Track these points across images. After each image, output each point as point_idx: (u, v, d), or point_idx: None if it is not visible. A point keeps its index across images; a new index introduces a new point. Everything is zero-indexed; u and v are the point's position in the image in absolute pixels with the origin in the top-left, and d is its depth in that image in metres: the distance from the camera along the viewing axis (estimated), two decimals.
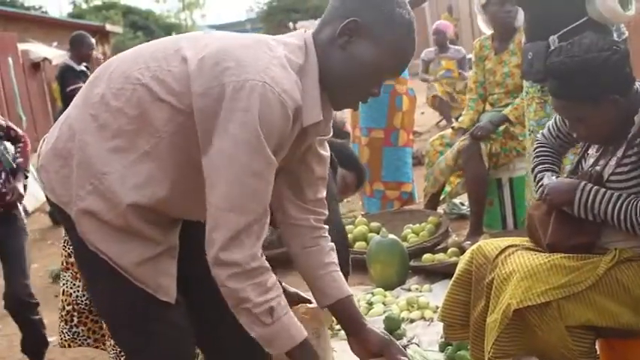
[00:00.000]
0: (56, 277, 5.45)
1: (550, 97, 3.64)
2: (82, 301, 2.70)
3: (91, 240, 1.92)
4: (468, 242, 4.30)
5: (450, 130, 5.11)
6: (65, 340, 2.75)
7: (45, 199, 6.95)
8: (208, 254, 1.85)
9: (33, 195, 8.58)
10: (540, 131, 2.89)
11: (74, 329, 2.72)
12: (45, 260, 6.15)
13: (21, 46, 13.73)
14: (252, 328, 1.90)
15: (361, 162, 3.47)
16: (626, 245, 2.45)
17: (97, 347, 2.80)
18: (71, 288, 2.71)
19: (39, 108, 13.97)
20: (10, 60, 12.25)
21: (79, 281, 2.68)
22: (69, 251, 2.68)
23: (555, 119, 2.79)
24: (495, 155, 4.71)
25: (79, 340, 2.73)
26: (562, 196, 2.49)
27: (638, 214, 2.35)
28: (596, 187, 2.43)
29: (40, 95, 14.45)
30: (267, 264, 1.89)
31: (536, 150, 2.81)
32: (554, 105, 2.60)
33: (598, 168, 2.49)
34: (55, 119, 8.79)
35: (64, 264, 2.73)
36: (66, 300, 2.73)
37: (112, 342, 2.61)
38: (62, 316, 2.76)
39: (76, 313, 2.71)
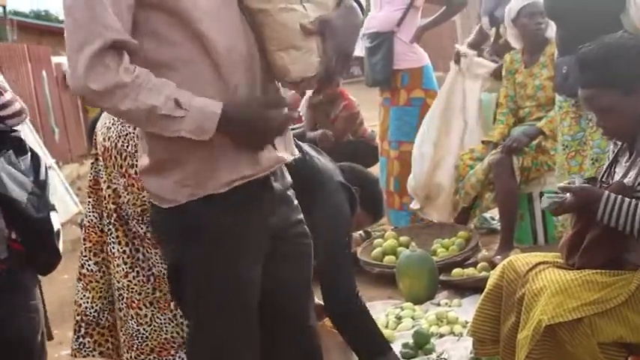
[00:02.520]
0: None
1: (585, 111, 3.64)
2: (90, 313, 2.71)
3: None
4: (499, 257, 4.26)
5: (480, 145, 5.07)
6: (73, 349, 2.77)
7: (75, 210, 6.96)
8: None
9: (64, 206, 8.68)
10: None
11: (80, 340, 2.73)
12: (75, 271, 6.18)
13: (54, 59, 13.91)
14: (176, 130, 1.87)
15: (383, 206, 3.39)
16: None
17: (102, 359, 2.79)
18: (81, 299, 2.73)
19: (71, 120, 14.12)
20: (44, 73, 12.40)
21: (89, 292, 2.70)
22: (82, 262, 2.70)
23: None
24: (527, 169, 4.67)
25: (85, 351, 2.74)
26: (587, 205, 2.44)
27: None
28: (620, 196, 2.39)
29: (72, 107, 14.61)
30: (144, 69, 1.85)
31: None
32: (582, 98, 2.57)
33: (628, 180, 2.46)
34: (87, 129, 8.79)
35: (78, 274, 2.75)
36: (76, 310, 2.76)
37: (133, 354, 2.60)
38: (74, 325, 2.78)
39: (83, 324, 2.72)
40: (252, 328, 2.11)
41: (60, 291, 5.74)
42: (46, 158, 9.07)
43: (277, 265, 2.14)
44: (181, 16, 1.88)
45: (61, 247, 2.53)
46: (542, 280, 2.46)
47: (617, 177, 2.57)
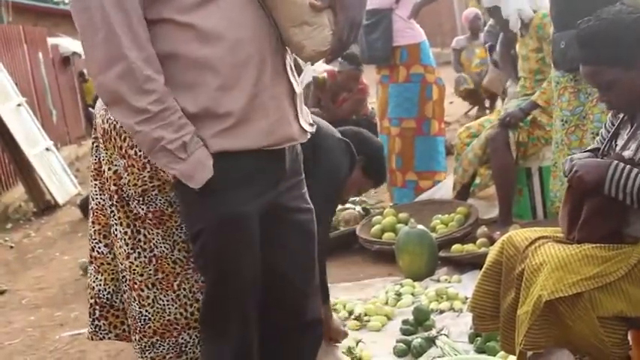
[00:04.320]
0: (87, 270, 5.51)
1: (583, 85, 3.62)
2: (104, 295, 2.68)
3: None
4: (498, 232, 4.27)
5: (476, 122, 5.06)
6: (89, 332, 2.74)
7: (75, 191, 6.99)
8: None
9: (63, 188, 8.69)
10: (596, 139, 2.81)
11: (96, 322, 2.70)
12: (75, 252, 6.21)
13: (51, 41, 13.85)
14: (171, 167, 2.09)
15: (386, 171, 3.41)
16: None
17: (118, 341, 2.78)
18: (94, 282, 2.69)
19: (69, 102, 14.10)
20: (40, 55, 12.36)
21: (101, 275, 2.67)
22: (92, 245, 2.67)
23: (602, 131, 2.74)
24: (523, 145, 4.67)
25: (101, 333, 2.71)
26: (593, 173, 2.41)
27: None
28: (629, 165, 2.38)
29: (69, 89, 14.58)
30: (174, 104, 2.02)
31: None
32: (583, 74, 2.55)
33: (629, 152, 2.45)
34: (84, 111, 8.86)
35: (89, 257, 2.71)
36: (89, 293, 2.72)
37: (137, 337, 2.61)
38: (88, 308, 2.74)
39: (97, 307, 2.69)
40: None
41: (61, 272, 5.77)
42: (44, 140, 9.07)
43: (281, 235, 2.27)
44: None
45: None
46: (541, 255, 2.45)
47: (618, 149, 2.56)
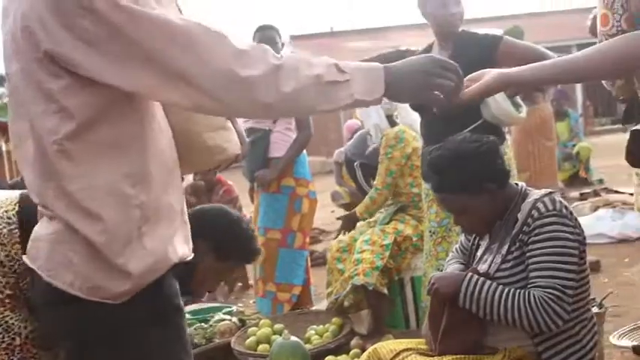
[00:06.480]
0: None
1: None
2: None
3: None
4: (370, 344, 4.25)
5: (348, 234, 5.07)
6: None
7: None
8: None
9: None
10: (454, 247, 2.92)
11: None
12: None
13: None
14: (349, 94, 1.75)
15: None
16: (515, 344, 2.47)
17: None
18: None
19: None
20: None
21: None
22: None
23: (457, 246, 2.86)
24: (395, 266, 4.71)
25: None
26: (449, 286, 2.50)
27: (523, 302, 2.37)
28: (482, 278, 2.46)
29: None
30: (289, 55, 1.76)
31: (449, 263, 2.85)
32: (437, 200, 2.67)
33: (484, 266, 2.53)
34: None
35: None
36: None
37: None
38: None
39: None
40: None
41: None
42: None
43: None
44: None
45: None
46: None
47: (475, 262, 2.65)
